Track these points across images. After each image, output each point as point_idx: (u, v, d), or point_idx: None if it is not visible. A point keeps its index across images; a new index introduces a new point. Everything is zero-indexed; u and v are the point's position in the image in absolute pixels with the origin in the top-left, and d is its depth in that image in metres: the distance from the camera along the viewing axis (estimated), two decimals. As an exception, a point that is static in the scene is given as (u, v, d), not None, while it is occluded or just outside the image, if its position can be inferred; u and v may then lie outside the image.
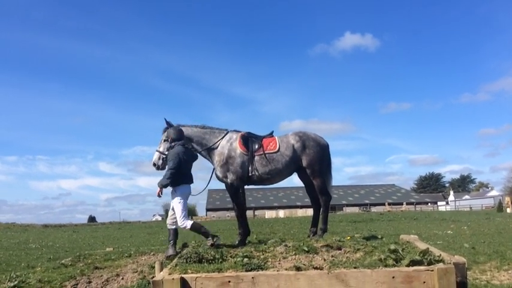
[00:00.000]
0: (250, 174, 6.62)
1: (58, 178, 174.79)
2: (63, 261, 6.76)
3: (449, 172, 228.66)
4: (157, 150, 6.89)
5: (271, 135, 6.96)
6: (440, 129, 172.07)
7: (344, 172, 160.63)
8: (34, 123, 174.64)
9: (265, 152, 6.61)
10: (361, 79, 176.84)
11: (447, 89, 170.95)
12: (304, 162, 6.73)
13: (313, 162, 6.72)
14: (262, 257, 5.06)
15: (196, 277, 4.23)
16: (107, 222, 71.35)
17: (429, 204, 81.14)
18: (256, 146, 6.67)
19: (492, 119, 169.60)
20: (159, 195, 6.55)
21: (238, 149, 6.64)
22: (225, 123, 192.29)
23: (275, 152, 6.65)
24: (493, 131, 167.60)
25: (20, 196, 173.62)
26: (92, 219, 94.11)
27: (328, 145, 7.09)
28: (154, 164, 6.83)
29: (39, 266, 7.60)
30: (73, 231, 37.04)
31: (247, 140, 6.74)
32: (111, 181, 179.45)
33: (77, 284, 5.09)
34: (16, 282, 5.11)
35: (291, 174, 7.03)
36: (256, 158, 6.62)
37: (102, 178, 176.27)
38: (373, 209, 69.46)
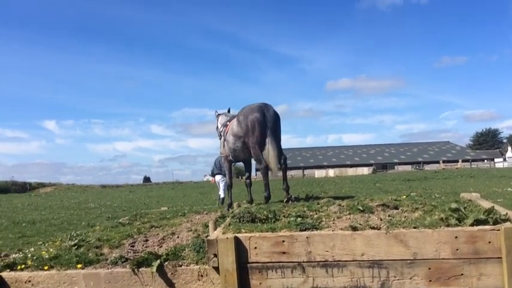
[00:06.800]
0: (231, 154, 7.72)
1: (113, 141, 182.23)
2: (120, 220, 6.96)
3: (506, 127, 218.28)
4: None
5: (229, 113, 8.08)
6: (497, 82, 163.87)
7: (395, 130, 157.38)
8: (88, 88, 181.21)
9: (226, 134, 7.66)
10: (412, 33, 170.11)
11: (503, 40, 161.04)
12: (243, 136, 7.20)
13: (245, 135, 7.11)
14: (315, 216, 4.97)
15: (250, 236, 4.20)
16: (160, 183, 74.21)
17: (486, 161, 78.08)
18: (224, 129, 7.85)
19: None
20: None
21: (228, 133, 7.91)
22: (271, 83, 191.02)
23: (227, 133, 7.63)
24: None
25: (78, 158, 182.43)
26: (146, 179, 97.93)
27: (260, 116, 6.91)
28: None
29: (98, 224, 7.89)
30: (129, 191, 38.66)
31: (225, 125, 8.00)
32: (162, 143, 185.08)
33: (135, 242, 5.19)
34: (76, 241, 5.27)
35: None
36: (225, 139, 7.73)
37: (154, 140, 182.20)
38: (427, 167, 67.77)
